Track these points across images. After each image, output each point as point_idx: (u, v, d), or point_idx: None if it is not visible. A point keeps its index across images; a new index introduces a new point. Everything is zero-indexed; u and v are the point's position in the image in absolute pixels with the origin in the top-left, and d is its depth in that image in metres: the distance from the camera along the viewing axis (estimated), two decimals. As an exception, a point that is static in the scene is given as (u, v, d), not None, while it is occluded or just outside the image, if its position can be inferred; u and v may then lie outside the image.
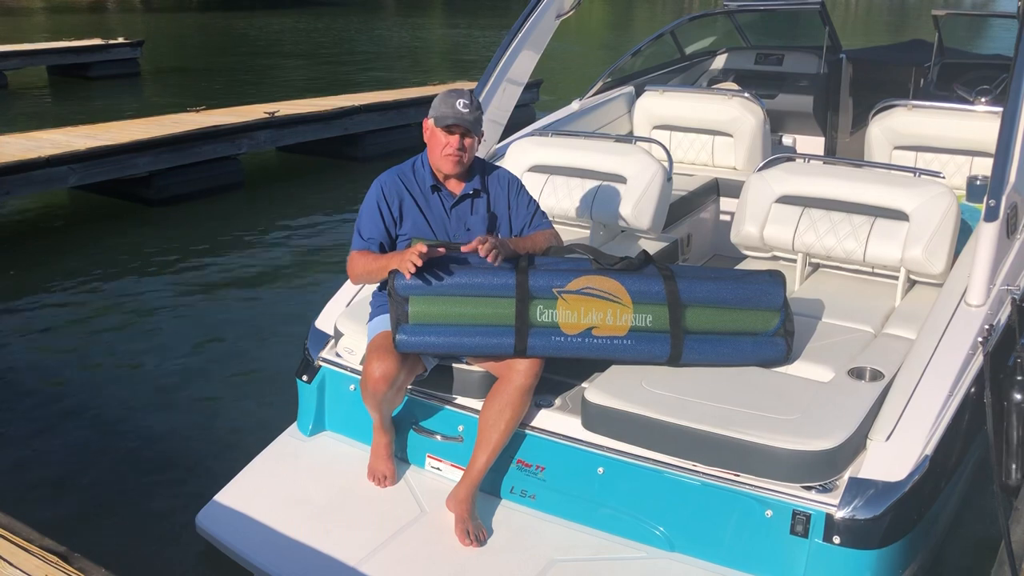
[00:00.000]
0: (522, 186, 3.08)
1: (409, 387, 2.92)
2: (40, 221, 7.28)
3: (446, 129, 2.84)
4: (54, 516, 3.27)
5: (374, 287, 3.06)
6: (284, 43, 21.86)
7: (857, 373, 2.74)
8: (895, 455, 2.46)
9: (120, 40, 15.98)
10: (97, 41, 15.85)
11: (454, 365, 2.91)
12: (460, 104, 2.82)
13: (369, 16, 31.07)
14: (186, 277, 6.02)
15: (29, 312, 5.38)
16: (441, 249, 2.70)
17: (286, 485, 3.03)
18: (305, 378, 3.28)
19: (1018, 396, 2.88)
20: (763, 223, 3.53)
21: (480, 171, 3.01)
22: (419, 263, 2.58)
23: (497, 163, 3.81)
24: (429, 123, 2.90)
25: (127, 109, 11.06)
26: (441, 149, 2.87)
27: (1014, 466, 2.89)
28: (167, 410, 4.16)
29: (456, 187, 2.97)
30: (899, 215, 3.31)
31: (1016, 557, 2.49)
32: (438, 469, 2.99)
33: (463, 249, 2.71)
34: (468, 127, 2.84)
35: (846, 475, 2.44)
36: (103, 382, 4.47)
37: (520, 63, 4.29)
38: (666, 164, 3.96)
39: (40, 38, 18.92)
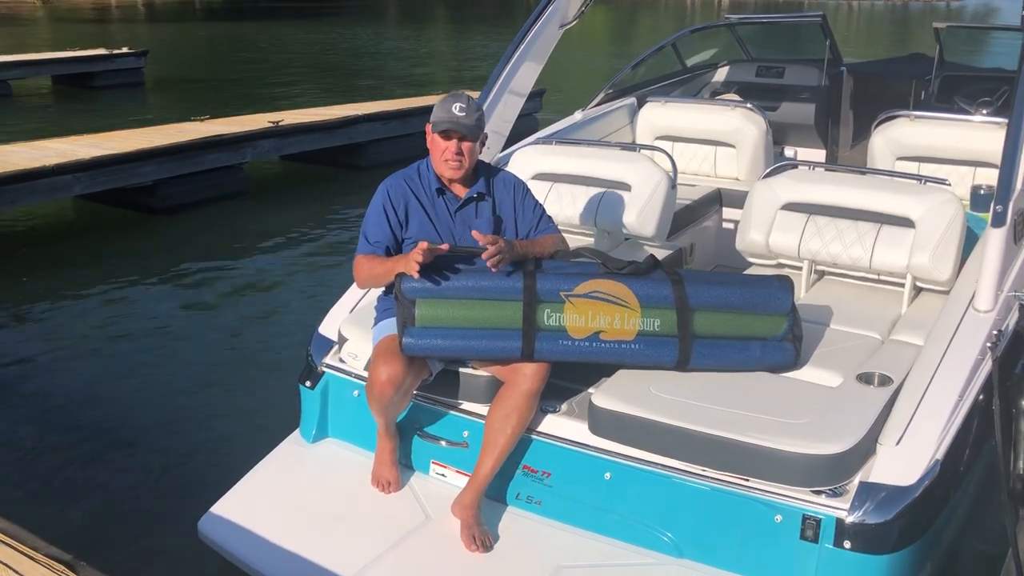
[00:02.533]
0: (527, 190, 3.08)
1: (414, 392, 2.91)
2: (45, 230, 7.29)
3: (442, 134, 2.83)
4: (59, 524, 3.26)
5: (379, 292, 3.05)
6: (287, 52, 21.94)
7: (866, 378, 2.73)
8: (906, 459, 2.44)
9: (124, 50, 16.05)
10: (101, 51, 15.93)
11: (460, 369, 2.90)
12: (456, 108, 2.80)
13: (372, 25, 31.20)
14: (190, 285, 6.02)
15: (34, 320, 5.38)
16: (444, 246, 2.68)
17: (289, 491, 3.02)
18: (308, 384, 3.27)
19: (1025, 402, 2.87)
20: (768, 230, 3.53)
21: (485, 174, 3.00)
22: (420, 259, 2.57)
23: (503, 168, 3.80)
24: (429, 128, 2.90)
25: (131, 118, 11.09)
26: (440, 154, 2.86)
27: (1021, 473, 2.88)
28: (170, 416, 4.15)
29: (461, 190, 2.96)
30: (905, 222, 3.31)
31: (1022, 564, 2.47)
32: (443, 475, 2.97)
33: (479, 240, 2.67)
34: (464, 132, 2.82)
35: (856, 479, 2.43)
36: (107, 389, 4.47)
37: (523, 73, 4.29)
38: (671, 172, 3.96)
39: (44, 48, 18.99)
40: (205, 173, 8.03)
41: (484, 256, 2.64)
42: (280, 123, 8.89)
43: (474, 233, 2.70)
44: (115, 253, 6.67)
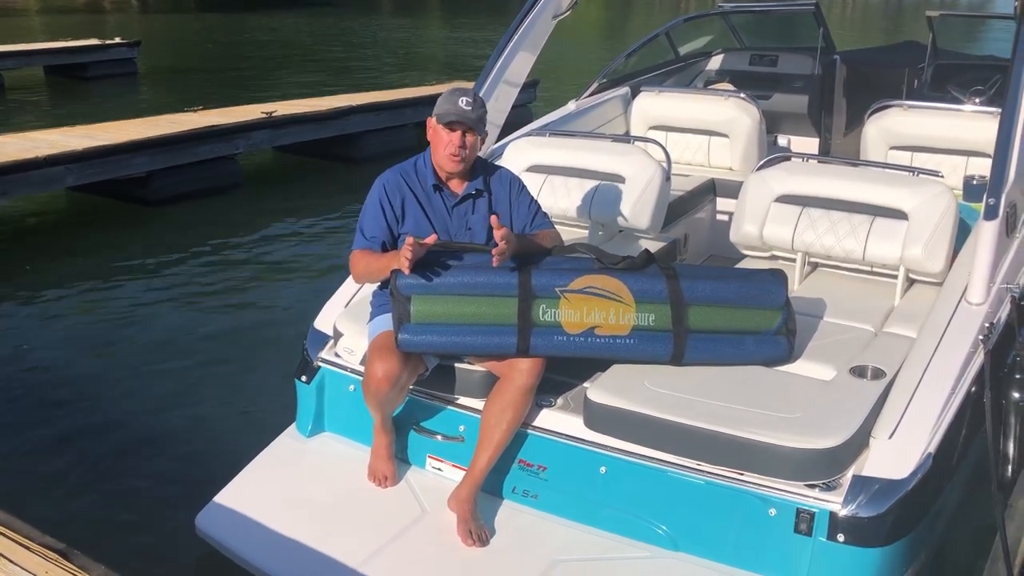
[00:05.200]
0: (523, 186, 3.08)
1: (410, 387, 2.91)
2: (38, 222, 7.26)
3: (448, 126, 2.83)
4: (54, 514, 3.26)
5: (374, 286, 3.06)
6: (281, 43, 21.83)
7: (859, 371, 2.75)
8: (898, 453, 2.46)
9: (117, 40, 15.94)
10: (94, 41, 15.81)
11: (456, 365, 2.91)
12: (463, 102, 2.82)
13: (366, 16, 31.03)
14: (184, 277, 6.01)
15: (28, 312, 5.37)
16: (431, 237, 2.67)
17: (286, 486, 3.02)
18: (304, 379, 3.27)
19: (1016, 394, 2.90)
20: (762, 222, 3.54)
21: (483, 171, 3.01)
22: (409, 255, 2.57)
23: (495, 163, 3.81)
24: (432, 121, 2.89)
25: (124, 109, 11.03)
26: (443, 147, 2.86)
27: (1010, 463, 2.91)
28: (166, 410, 4.15)
29: (458, 186, 2.96)
30: (898, 214, 3.32)
31: (1011, 552, 2.50)
32: (439, 469, 2.98)
33: (495, 227, 2.66)
34: (470, 124, 2.83)
35: (849, 473, 2.45)
36: (102, 382, 4.46)
37: (517, 64, 4.29)
38: (664, 164, 3.96)
39: (37, 38, 18.86)
40: (198, 164, 7.98)
41: (495, 252, 2.63)
42: (273, 114, 8.85)
43: (493, 219, 2.70)
44: (108, 245, 6.64)
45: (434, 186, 2.94)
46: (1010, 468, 2.92)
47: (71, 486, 3.54)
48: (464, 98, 2.83)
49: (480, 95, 4.03)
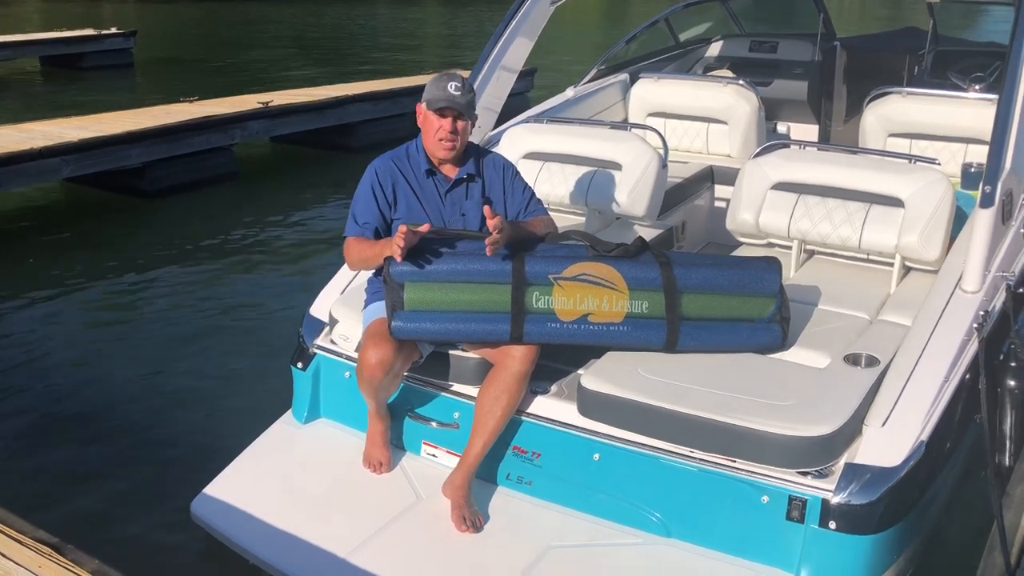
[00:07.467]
0: (517, 172, 3.07)
1: (405, 374, 2.92)
2: (33, 214, 7.24)
3: (438, 112, 2.83)
4: (49, 508, 3.26)
5: (369, 273, 3.05)
6: (277, 33, 21.77)
7: (853, 359, 2.75)
8: (891, 440, 2.46)
9: (113, 30, 15.89)
10: (90, 31, 15.77)
11: (450, 352, 2.91)
12: (452, 87, 2.81)
13: (363, 4, 30.93)
14: (180, 268, 6.01)
15: (23, 304, 5.36)
16: (425, 226, 2.66)
17: (281, 472, 3.03)
18: (300, 365, 3.28)
19: (1012, 382, 2.89)
20: (759, 210, 3.53)
21: (475, 156, 3.00)
22: (401, 243, 2.57)
23: (488, 149, 3.79)
24: (422, 107, 2.89)
25: (120, 100, 11.00)
26: (434, 133, 2.86)
27: (1007, 451, 2.90)
28: (161, 399, 4.15)
29: (451, 172, 2.95)
30: (895, 202, 3.31)
31: (1008, 541, 2.50)
32: (434, 456, 2.99)
33: (488, 216, 2.66)
34: (460, 110, 2.83)
35: (842, 460, 2.45)
36: (96, 373, 4.46)
37: (514, 50, 4.27)
38: (661, 151, 3.95)
39: (32, 28, 18.80)
40: (194, 155, 7.95)
41: (488, 242, 2.63)
42: (270, 104, 8.82)
43: (485, 209, 2.70)
44: (104, 237, 6.63)
45: (427, 171, 2.93)
46: (1007, 456, 2.92)
47: (65, 478, 3.53)
48: (453, 83, 2.82)
49: (474, 85, 4.05)
